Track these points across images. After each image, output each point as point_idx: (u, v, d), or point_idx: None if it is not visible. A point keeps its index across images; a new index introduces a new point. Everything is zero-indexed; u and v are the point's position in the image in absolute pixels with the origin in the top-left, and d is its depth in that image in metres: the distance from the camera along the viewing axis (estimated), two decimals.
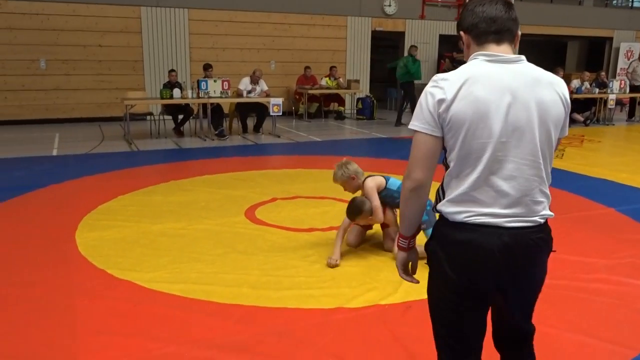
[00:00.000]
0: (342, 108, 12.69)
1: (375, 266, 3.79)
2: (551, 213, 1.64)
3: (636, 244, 4.28)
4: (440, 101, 1.56)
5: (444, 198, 1.65)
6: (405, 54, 11.93)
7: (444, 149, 1.63)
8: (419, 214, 1.70)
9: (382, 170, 6.85)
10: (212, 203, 5.28)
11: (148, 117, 9.91)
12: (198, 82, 9.28)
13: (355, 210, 3.90)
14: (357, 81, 12.94)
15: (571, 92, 11.95)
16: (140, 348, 2.67)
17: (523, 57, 1.62)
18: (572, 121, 11.62)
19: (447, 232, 1.64)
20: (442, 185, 1.67)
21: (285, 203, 5.33)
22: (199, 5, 11.69)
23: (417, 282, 1.84)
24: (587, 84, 12.68)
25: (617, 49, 17.23)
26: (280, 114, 9.73)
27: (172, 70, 9.73)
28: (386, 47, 15.42)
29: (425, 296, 3.30)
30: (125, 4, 11.07)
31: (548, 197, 1.64)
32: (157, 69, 11.53)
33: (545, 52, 17.15)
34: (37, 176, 6.30)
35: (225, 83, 9.39)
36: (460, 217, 1.60)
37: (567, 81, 12.47)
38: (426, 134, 1.59)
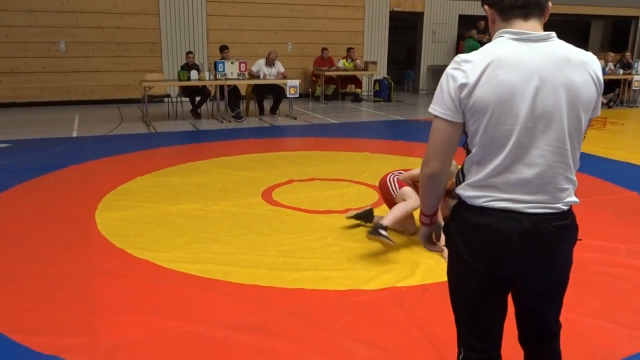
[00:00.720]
0: (359, 90, 12.59)
1: (393, 248, 3.78)
2: (576, 199, 1.59)
3: None
4: (462, 86, 1.49)
5: (463, 181, 1.62)
6: (465, 37, 11.66)
7: (465, 133, 1.58)
8: (438, 197, 1.67)
9: (399, 152, 6.82)
10: (229, 185, 5.29)
11: (166, 99, 9.94)
12: (215, 63, 9.27)
13: None
14: (375, 63, 12.80)
15: None
16: (158, 326, 2.71)
17: (553, 33, 1.53)
18: None
19: (465, 216, 1.61)
20: (462, 169, 1.64)
21: (302, 185, 5.32)
22: None
23: (442, 249, 1.83)
24: (611, 65, 12.39)
25: None
26: (297, 95, 9.69)
27: (190, 52, 9.73)
28: (404, 27, 15.22)
29: (443, 279, 3.29)
30: None
31: (574, 184, 1.59)
32: (174, 51, 11.54)
33: (567, 33, 16.72)
34: (57, 157, 6.37)
35: (243, 65, 9.36)
36: (479, 202, 1.56)
37: None
38: (446, 120, 1.54)
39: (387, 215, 3.69)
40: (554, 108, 1.49)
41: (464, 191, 1.60)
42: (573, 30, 17.92)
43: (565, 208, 1.58)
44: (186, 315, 2.82)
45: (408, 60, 15.22)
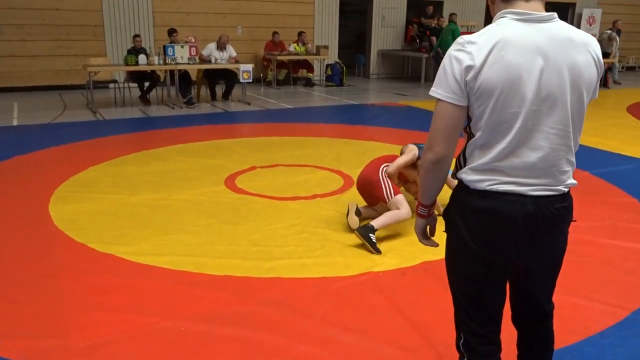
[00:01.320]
0: (311, 75, 12.48)
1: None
2: (574, 181, 1.61)
3: (614, 206, 4.39)
4: (468, 68, 1.46)
5: (465, 166, 1.60)
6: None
7: (468, 117, 1.55)
8: (440, 185, 1.64)
9: (359, 137, 6.82)
10: (189, 172, 5.13)
11: (112, 85, 9.51)
12: (164, 47, 8.93)
13: None
14: (326, 47, 12.72)
15: None
16: (134, 324, 2.58)
17: (555, 14, 1.53)
18: None
19: (467, 200, 1.59)
20: (463, 153, 1.61)
21: (266, 171, 5.22)
22: None
23: (437, 244, 1.80)
24: None
25: (580, 15, 17.47)
26: (251, 80, 9.50)
27: (137, 36, 9.32)
28: (354, 12, 15.18)
29: (417, 261, 3.31)
30: None
31: (573, 165, 1.60)
32: (118, 34, 11.04)
33: None
34: None
35: (193, 49, 9.07)
36: (482, 185, 1.55)
37: None
38: (450, 103, 1.50)
39: (378, 219, 3.58)
40: (558, 89, 1.49)
41: (466, 175, 1.58)
42: None
43: (566, 190, 1.59)
44: (162, 310, 2.71)
45: (358, 44, 15.22)
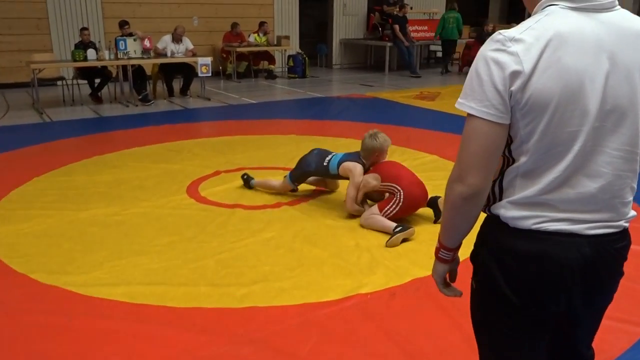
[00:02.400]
0: (272, 66, 12.02)
1: (343, 243, 3.43)
2: (635, 213, 1.29)
3: None
4: (515, 74, 1.11)
5: (502, 198, 1.26)
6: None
7: (509, 137, 1.20)
8: (470, 226, 1.28)
9: (328, 133, 6.45)
10: (146, 181, 4.65)
11: (59, 82, 8.83)
12: (116, 41, 8.31)
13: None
14: (287, 37, 12.27)
15: None
16: None
17: (616, 0, 1.19)
18: None
19: (506, 242, 1.25)
20: (499, 182, 1.27)
21: (230, 176, 4.79)
22: None
23: (461, 294, 1.45)
24: None
25: None
26: (210, 74, 8.98)
27: (85, 29, 8.65)
28: (314, 0, 14.75)
29: (406, 279, 2.98)
30: None
31: (634, 192, 1.28)
32: (65, 27, 10.29)
33: (468, 3, 17.12)
34: None
35: (147, 41, 8.49)
36: (527, 224, 1.21)
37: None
38: (489, 121, 1.15)
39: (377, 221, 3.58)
40: (627, 100, 1.15)
41: (505, 210, 1.24)
42: (473, 1, 18.37)
43: (627, 225, 1.27)
44: (118, 357, 2.29)
45: (319, 34, 14.81)
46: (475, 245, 1.35)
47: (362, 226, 3.63)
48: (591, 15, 1.15)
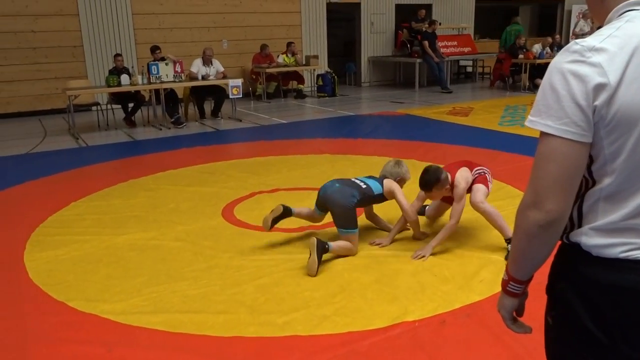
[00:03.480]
0: (301, 86, 12.04)
1: (385, 266, 3.29)
2: None
3: None
4: (599, 87, 1.00)
5: (582, 225, 1.13)
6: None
7: (590, 157, 1.08)
8: (547, 255, 1.15)
9: (361, 151, 6.36)
10: (182, 204, 4.62)
11: (94, 108, 9.00)
12: (148, 65, 8.44)
13: (432, 177, 3.38)
14: (316, 57, 12.29)
15: (533, 58, 11.74)
16: None
17: None
18: (535, 87, 11.39)
19: (590, 273, 1.12)
20: (579, 206, 1.14)
21: (266, 198, 4.73)
22: None
23: (531, 330, 1.31)
24: (548, 49, 12.50)
25: (570, 12, 17.21)
26: (240, 96, 9.03)
27: (118, 55, 8.82)
28: (340, 19, 14.78)
29: (456, 305, 2.83)
30: None
31: None
32: (99, 54, 10.53)
33: (497, 18, 16.93)
34: None
35: (178, 65, 8.59)
36: (614, 252, 1.08)
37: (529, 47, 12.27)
38: (569, 140, 1.03)
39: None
40: None
41: (587, 238, 1.11)
42: (502, 15, 18.18)
43: None
44: None
45: (346, 52, 14.83)
46: (550, 276, 1.22)
47: (474, 206, 3.39)
48: None
